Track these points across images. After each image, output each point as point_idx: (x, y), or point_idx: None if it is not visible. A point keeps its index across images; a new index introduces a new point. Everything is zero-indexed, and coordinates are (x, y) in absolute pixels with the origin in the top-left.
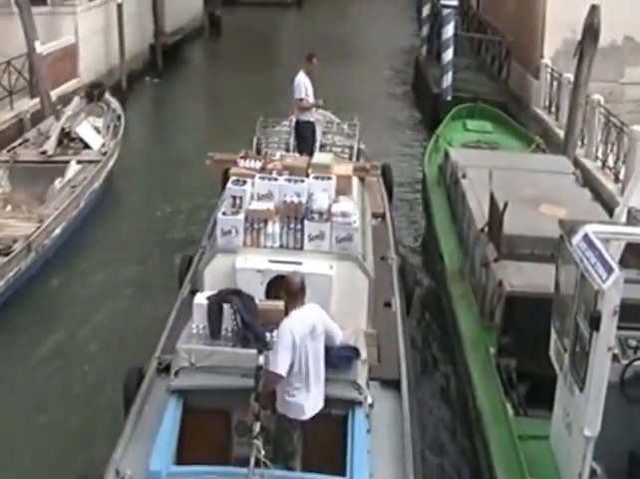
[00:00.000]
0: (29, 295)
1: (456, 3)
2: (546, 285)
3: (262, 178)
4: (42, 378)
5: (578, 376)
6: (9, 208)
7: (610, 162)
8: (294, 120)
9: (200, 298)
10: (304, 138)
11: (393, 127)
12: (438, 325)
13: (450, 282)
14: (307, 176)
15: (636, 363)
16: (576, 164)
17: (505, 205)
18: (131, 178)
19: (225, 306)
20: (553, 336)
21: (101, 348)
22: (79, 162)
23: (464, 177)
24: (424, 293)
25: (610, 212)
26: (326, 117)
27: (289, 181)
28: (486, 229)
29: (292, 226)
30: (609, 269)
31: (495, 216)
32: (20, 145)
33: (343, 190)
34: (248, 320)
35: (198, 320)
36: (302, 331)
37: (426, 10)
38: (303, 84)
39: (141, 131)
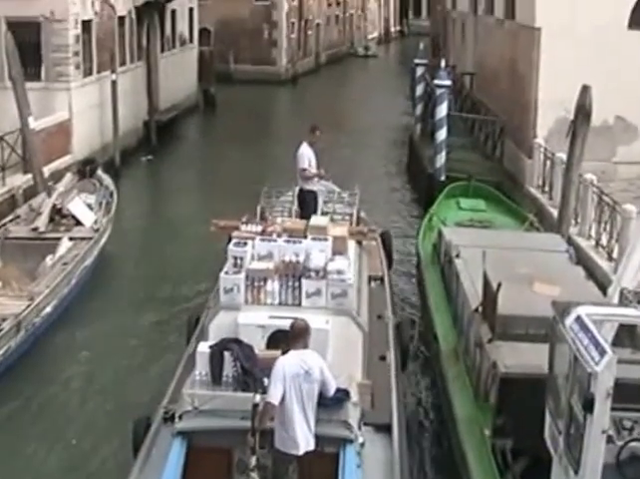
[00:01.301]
0: (19, 374)
1: (449, 83)
2: (541, 366)
3: (262, 240)
4: (27, 461)
5: (573, 459)
6: None
7: (603, 240)
8: (297, 189)
9: (203, 347)
10: (307, 206)
11: (387, 205)
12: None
13: (444, 363)
14: (305, 237)
15: (632, 444)
16: (570, 242)
17: (499, 285)
18: (123, 255)
19: (226, 354)
20: (548, 419)
21: (90, 426)
22: (71, 239)
23: (457, 256)
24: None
25: (604, 290)
26: (328, 187)
27: (288, 242)
28: (480, 308)
29: (290, 283)
30: (602, 352)
31: (489, 295)
32: (11, 221)
33: (339, 250)
34: (247, 367)
35: (201, 367)
36: (295, 370)
37: (419, 89)
38: (306, 155)
39: (134, 208)
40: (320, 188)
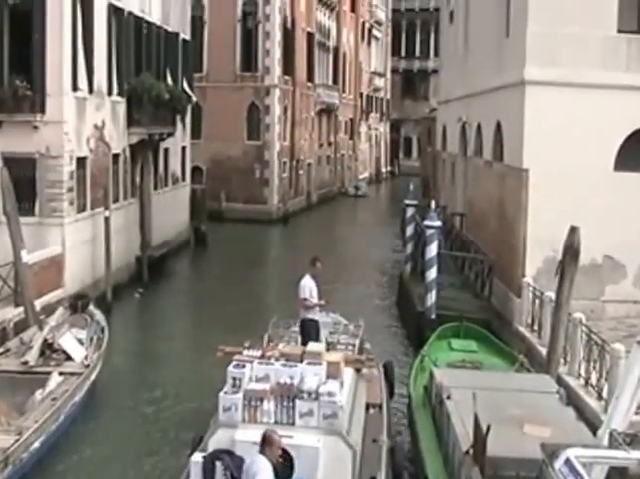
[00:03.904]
0: None
1: (439, 223)
2: None
3: (261, 363)
4: None
5: None
6: None
7: (593, 379)
8: (300, 319)
9: (197, 457)
10: (308, 335)
11: (377, 346)
12: None
13: None
14: (301, 362)
15: None
16: (560, 382)
17: (489, 427)
18: (113, 392)
19: (218, 464)
20: None
21: None
22: (61, 374)
23: (448, 398)
24: None
25: (595, 430)
26: (334, 319)
27: (284, 366)
28: (471, 451)
29: (285, 404)
30: None
31: (480, 438)
32: (1, 354)
33: (333, 374)
34: (237, 476)
35: (195, 476)
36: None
37: (409, 229)
38: (308, 286)
39: (125, 344)
40: (326, 320)
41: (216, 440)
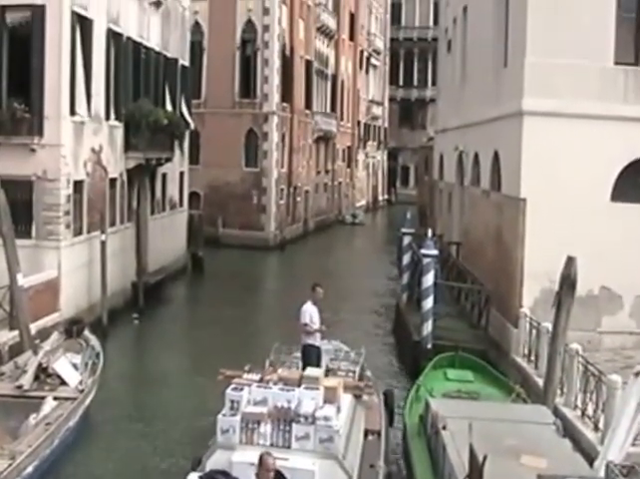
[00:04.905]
0: None
1: (436, 252)
2: None
3: (259, 386)
4: None
5: None
6: None
7: (589, 410)
8: (302, 344)
9: (193, 477)
10: (309, 360)
11: (372, 374)
12: None
13: None
14: (299, 386)
15: None
16: (556, 412)
17: (485, 458)
18: (108, 417)
19: None
20: None
21: None
22: (55, 398)
23: (444, 428)
24: None
25: (591, 461)
26: (336, 346)
27: (282, 389)
28: None
29: (282, 427)
30: None
31: (476, 468)
32: None
33: (330, 399)
34: None
35: None
36: None
37: (406, 258)
38: (309, 312)
39: (120, 369)
40: (328, 347)
41: (214, 461)
